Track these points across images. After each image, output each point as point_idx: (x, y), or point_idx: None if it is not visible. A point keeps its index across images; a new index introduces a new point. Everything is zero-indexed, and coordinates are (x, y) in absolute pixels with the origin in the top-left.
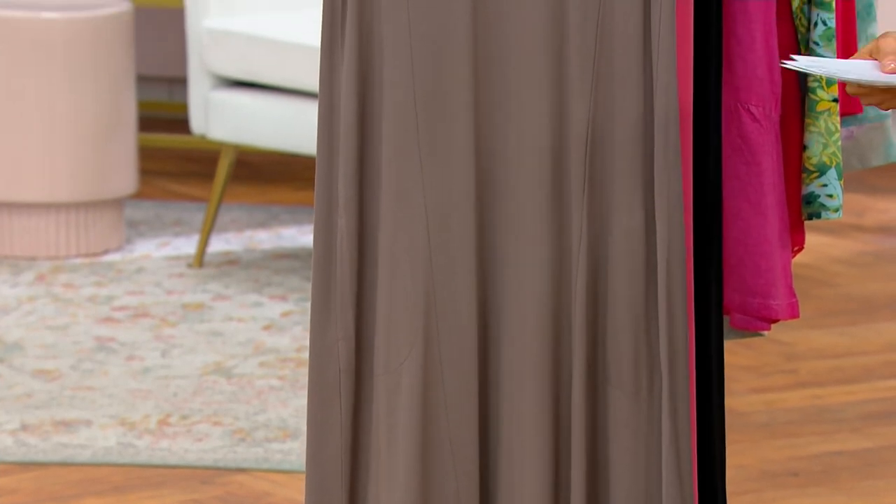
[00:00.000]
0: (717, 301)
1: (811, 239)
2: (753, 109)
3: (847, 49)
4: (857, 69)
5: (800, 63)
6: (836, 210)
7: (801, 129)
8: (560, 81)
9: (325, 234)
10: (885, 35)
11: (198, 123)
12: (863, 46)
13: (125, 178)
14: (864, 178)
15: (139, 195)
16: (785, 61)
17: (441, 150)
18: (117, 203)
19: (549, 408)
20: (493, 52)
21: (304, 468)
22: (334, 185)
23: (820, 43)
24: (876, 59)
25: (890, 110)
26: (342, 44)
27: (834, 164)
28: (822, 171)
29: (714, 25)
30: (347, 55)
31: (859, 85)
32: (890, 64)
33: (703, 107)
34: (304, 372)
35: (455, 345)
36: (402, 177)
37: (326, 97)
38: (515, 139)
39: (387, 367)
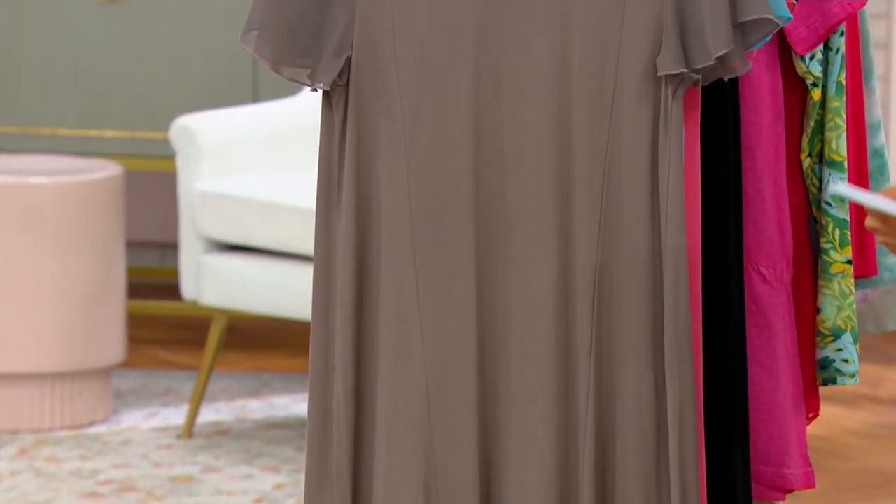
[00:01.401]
0: (745, 480)
1: (824, 409)
2: (764, 271)
3: (860, 209)
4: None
5: (840, 188)
6: (853, 375)
7: (815, 291)
8: (567, 238)
9: (319, 402)
10: None
11: (189, 289)
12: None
13: (113, 346)
14: (879, 345)
15: (127, 364)
16: (835, 183)
17: (442, 311)
18: (104, 372)
19: None
20: (495, 209)
21: None
22: (330, 350)
23: (832, 203)
24: None
25: None
26: (339, 204)
27: (849, 327)
28: (836, 334)
29: (731, 185)
30: (345, 215)
31: (883, 220)
32: None
33: (715, 268)
34: None
35: None
36: (401, 339)
37: (323, 259)
38: (519, 299)
39: None
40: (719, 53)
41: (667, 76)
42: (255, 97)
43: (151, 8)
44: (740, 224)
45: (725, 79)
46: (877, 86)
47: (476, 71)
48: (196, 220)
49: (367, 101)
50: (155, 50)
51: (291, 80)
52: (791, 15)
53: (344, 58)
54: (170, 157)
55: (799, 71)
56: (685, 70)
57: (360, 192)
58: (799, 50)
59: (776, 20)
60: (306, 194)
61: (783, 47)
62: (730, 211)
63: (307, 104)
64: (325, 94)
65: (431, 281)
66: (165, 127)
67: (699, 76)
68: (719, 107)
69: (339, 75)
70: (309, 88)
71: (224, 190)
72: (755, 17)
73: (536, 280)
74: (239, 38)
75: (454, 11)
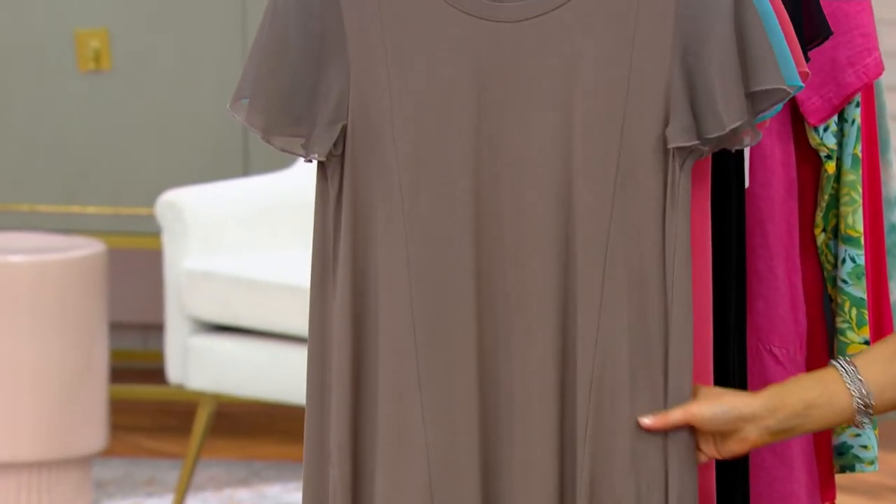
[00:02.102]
0: None
1: (844, 500)
2: (776, 351)
3: (878, 287)
4: None
5: None
6: (872, 462)
7: None
8: (568, 315)
9: (315, 489)
10: None
11: (175, 372)
12: None
13: (94, 434)
14: None
15: (109, 452)
16: None
17: (443, 390)
18: (84, 462)
19: None
20: (496, 284)
21: None
22: (326, 433)
23: (849, 281)
24: None
25: None
26: (334, 280)
27: None
28: None
29: (734, 258)
30: (340, 291)
31: None
32: None
33: (723, 350)
34: None
35: None
36: (401, 420)
37: (317, 337)
38: (521, 377)
39: None
40: (734, 125)
41: (676, 148)
42: (246, 170)
43: (137, 77)
44: (743, 301)
45: (733, 150)
46: (893, 159)
47: (476, 141)
48: (183, 300)
49: (363, 171)
50: (140, 121)
51: (284, 150)
52: (803, 84)
53: (339, 126)
54: (155, 233)
55: (812, 142)
56: (696, 142)
57: (356, 266)
58: (812, 121)
59: (788, 89)
60: (298, 272)
61: (796, 117)
62: (732, 288)
63: (299, 178)
64: (320, 165)
65: (432, 359)
66: (151, 202)
67: (709, 148)
68: (722, 177)
69: (335, 145)
70: (303, 159)
71: (212, 268)
72: (767, 87)
73: (538, 357)
74: (228, 106)
75: (454, 79)
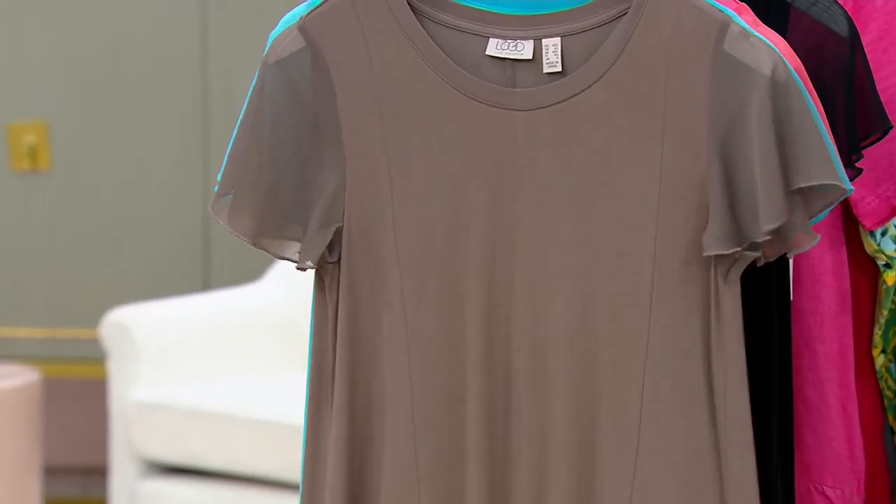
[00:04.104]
0: None
1: None
2: (830, 492)
3: None
4: None
5: None
6: None
7: None
8: (589, 469)
9: None
10: None
11: None
12: None
13: None
14: None
15: None
16: None
17: None
18: None
19: None
20: (512, 424)
21: None
22: None
23: None
24: None
25: None
26: (331, 407)
27: None
28: None
29: (777, 383)
30: (337, 422)
31: None
32: None
33: (766, 492)
34: None
35: None
36: None
37: (311, 482)
38: None
39: None
40: (770, 227)
41: (716, 257)
42: (206, 285)
43: (79, 176)
44: (790, 434)
45: (789, 256)
46: None
47: (487, 247)
48: (131, 437)
49: (361, 282)
50: (83, 227)
51: (280, 257)
52: (851, 187)
53: (333, 229)
54: (99, 360)
55: (868, 249)
56: (738, 248)
57: (354, 392)
58: (868, 224)
59: (843, 187)
60: (269, 404)
61: (848, 220)
62: (775, 419)
63: (271, 292)
64: (317, 275)
65: (437, 498)
66: (94, 323)
67: (757, 254)
68: (761, 288)
69: (329, 251)
70: (296, 267)
71: (166, 399)
72: (817, 182)
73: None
74: (209, 207)
75: (461, 176)
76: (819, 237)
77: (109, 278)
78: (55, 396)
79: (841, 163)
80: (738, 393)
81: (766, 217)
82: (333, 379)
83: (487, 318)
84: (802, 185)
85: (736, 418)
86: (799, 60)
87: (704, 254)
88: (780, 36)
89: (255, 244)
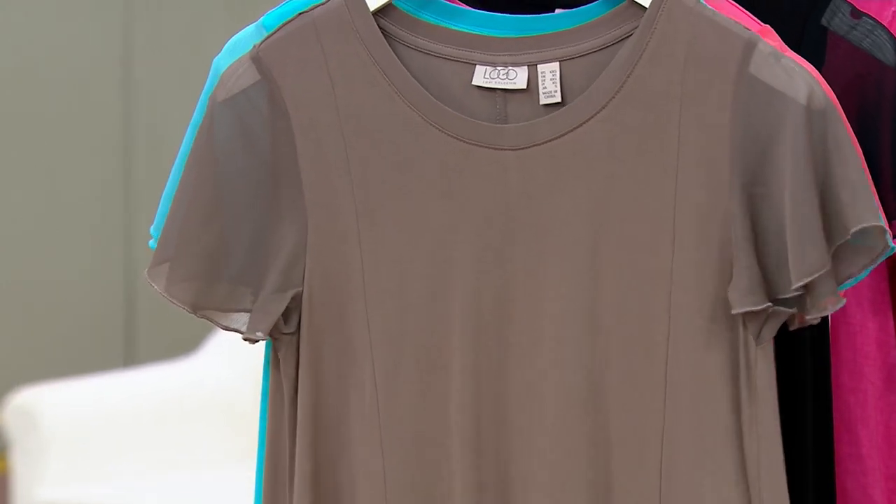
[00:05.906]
0: None
1: None
2: None
3: None
4: None
5: None
6: None
7: None
8: None
9: None
10: None
11: None
12: None
13: None
14: None
15: None
16: None
17: None
18: None
19: None
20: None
21: None
22: None
23: None
24: None
25: None
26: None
27: None
28: None
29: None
30: None
31: None
32: None
33: None
34: None
35: None
36: None
37: None
38: None
39: None
40: (806, 279)
41: (745, 314)
42: (128, 360)
43: None
44: None
45: (810, 321)
46: None
47: (473, 313)
48: None
49: (325, 359)
50: None
51: (225, 328)
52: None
53: (290, 295)
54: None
55: None
56: (768, 304)
57: (320, 490)
58: None
59: (888, 238)
60: (198, 501)
61: (894, 282)
62: None
63: (206, 367)
64: (271, 347)
65: None
66: None
67: (793, 311)
68: (793, 360)
69: (286, 321)
70: (242, 337)
71: (79, 499)
72: (868, 224)
73: None
74: (146, 273)
75: (443, 230)
76: (844, 301)
77: (13, 354)
78: None
79: (882, 214)
80: (775, 480)
81: (802, 266)
82: (292, 474)
83: (475, 402)
84: (853, 228)
85: (773, 494)
86: (833, 94)
87: (733, 311)
88: (810, 64)
89: (198, 315)
